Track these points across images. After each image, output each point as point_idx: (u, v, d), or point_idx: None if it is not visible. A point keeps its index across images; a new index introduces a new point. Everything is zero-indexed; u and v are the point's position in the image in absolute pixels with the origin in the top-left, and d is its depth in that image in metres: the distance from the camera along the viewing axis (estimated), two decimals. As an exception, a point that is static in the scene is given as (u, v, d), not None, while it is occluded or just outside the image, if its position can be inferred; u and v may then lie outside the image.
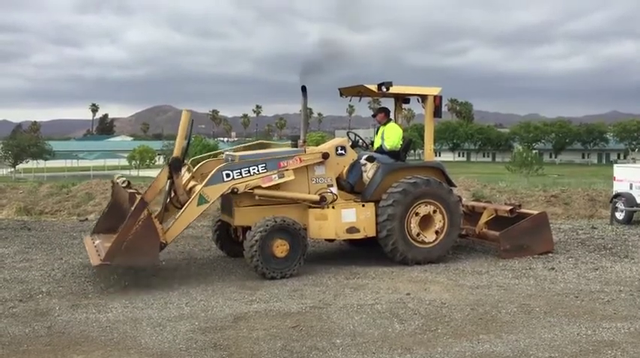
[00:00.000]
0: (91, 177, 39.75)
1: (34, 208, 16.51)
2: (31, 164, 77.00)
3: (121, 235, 7.87)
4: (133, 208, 8.00)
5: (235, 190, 8.64)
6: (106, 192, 17.66)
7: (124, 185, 9.23)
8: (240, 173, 8.74)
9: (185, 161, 9.10)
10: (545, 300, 7.41)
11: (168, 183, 8.83)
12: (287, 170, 8.95)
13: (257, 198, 8.82)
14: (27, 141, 78.75)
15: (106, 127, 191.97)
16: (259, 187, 8.78)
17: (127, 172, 71.84)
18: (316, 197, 9.08)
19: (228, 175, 8.69)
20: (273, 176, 8.86)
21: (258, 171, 8.84)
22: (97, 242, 8.96)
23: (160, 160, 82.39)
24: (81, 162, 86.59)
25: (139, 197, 8.21)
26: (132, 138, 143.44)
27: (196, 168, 9.43)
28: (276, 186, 8.94)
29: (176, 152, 8.77)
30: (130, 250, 7.82)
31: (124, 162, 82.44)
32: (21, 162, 75.62)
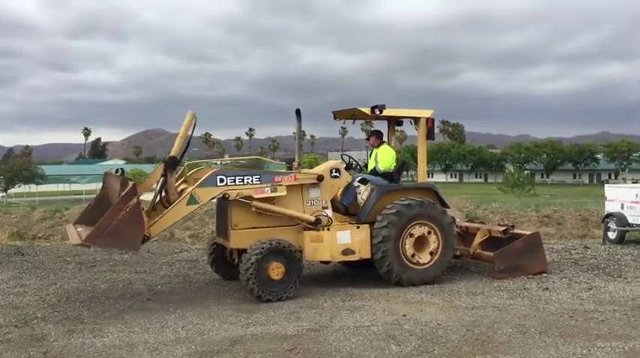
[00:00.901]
0: (84, 201, 39.58)
1: (27, 233, 16.45)
2: (23, 188, 76.64)
3: (106, 218, 7.76)
4: (123, 193, 7.87)
5: (227, 196, 8.72)
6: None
7: (117, 174, 8.82)
8: (234, 180, 8.82)
9: (181, 162, 9.07)
10: (540, 320, 7.45)
11: (161, 181, 8.78)
12: (280, 185, 9.02)
13: (253, 209, 8.86)
14: (19, 166, 78.41)
15: (98, 151, 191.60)
16: (251, 198, 8.82)
17: (119, 196, 71.55)
18: (311, 217, 9.13)
19: (221, 180, 8.77)
20: (266, 188, 8.94)
21: (252, 181, 8.92)
22: (79, 229, 8.73)
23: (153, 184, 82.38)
24: (73, 186, 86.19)
25: (131, 184, 8.09)
26: (124, 162, 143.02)
27: (190, 172, 9.41)
28: (272, 203, 9.00)
29: (174, 151, 8.75)
30: (113, 234, 7.74)
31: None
32: (13, 187, 75.23)
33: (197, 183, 8.68)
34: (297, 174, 9.28)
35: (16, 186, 75.62)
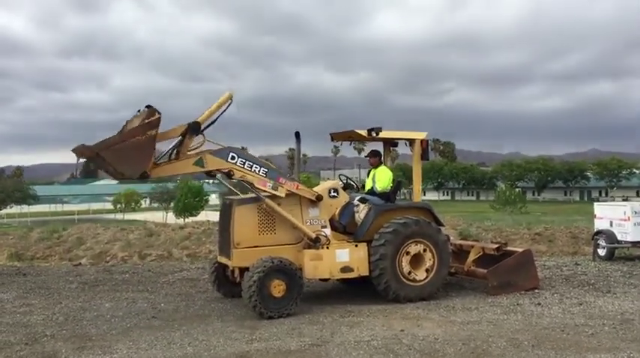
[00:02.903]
0: (76, 221, 39.66)
1: (25, 253, 16.63)
2: (15, 209, 76.40)
3: (121, 136, 7.92)
4: (147, 121, 8.04)
5: (231, 173, 9.01)
6: (97, 236, 17.88)
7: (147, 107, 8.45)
8: (244, 163, 9.12)
9: (203, 139, 9.01)
10: (533, 334, 7.74)
11: (177, 140, 8.89)
12: (282, 186, 9.31)
13: (264, 206, 9.17)
14: (11, 187, 78.20)
15: (90, 171, 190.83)
16: (252, 185, 9.12)
17: (112, 216, 71.54)
18: (313, 234, 9.42)
19: (233, 157, 9.08)
20: (269, 184, 9.24)
21: (259, 171, 9.21)
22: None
23: (145, 203, 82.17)
24: (65, 206, 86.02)
25: (157, 116, 8.12)
26: (117, 182, 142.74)
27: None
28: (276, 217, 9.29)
29: (200, 118, 8.89)
30: (120, 152, 7.88)
31: (109, 205, 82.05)
32: (5, 208, 75.01)
33: (211, 151, 8.93)
34: (299, 185, 9.60)
35: (8, 206, 75.40)
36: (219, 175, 9.51)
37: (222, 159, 9.00)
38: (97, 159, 8.29)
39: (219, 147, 9.10)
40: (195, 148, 9.00)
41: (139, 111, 8.55)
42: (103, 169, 8.80)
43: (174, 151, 8.93)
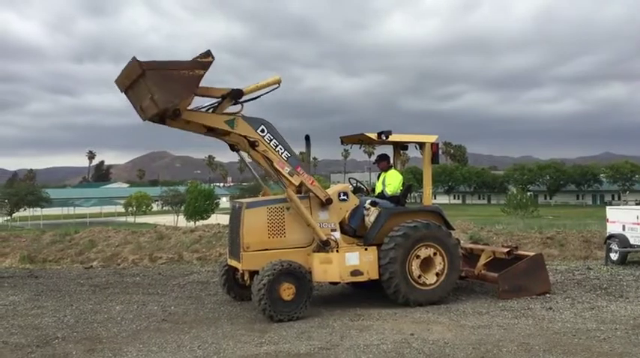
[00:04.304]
0: (88, 224, 39.98)
1: (37, 256, 16.73)
2: (28, 212, 77.05)
3: (173, 63, 8.20)
4: (200, 59, 8.29)
5: (256, 144, 9.13)
6: (108, 239, 17.98)
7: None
8: (271, 139, 9.26)
9: (242, 107, 9.20)
10: (544, 339, 7.68)
11: (217, 100, 9.08)
12: (298, 175, 9.37)
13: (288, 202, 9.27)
14: (24, 190, 78.84)
15: (102, 174, 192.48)
16: (271, 164, 9.23)
17: (123, 219, 71.95)
18: (324, 236, 9.41)
19: (263, 130, 9.24)
20: (287, 168, 9.33)
21: (282, 152, 9.32)
22: None
23: (156, 206, 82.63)
24: (77, 209, 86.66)
25: (210, 59, 8.40)
26: (128, 185, 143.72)
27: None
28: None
29: (245, 89, 9.06)
30: (166, 77, 8.10)
31: (121, 208, 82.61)
32: (18, 211, 75.64)
33: (246, 117, 9.08)
34: (315, 181, 9.62)
35: (21, 209, 76.02)
36: (242, 153, 9.64)
37: (252, 128, 9.16)
38: (139, 80, 8.35)
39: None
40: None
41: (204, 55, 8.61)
42: (135, 100, 8.83)
43: (210, 110, 9.11)
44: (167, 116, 8.66)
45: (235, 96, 9.01)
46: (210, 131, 9.32)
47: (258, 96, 9.25)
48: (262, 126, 9.23)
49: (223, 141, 9.60)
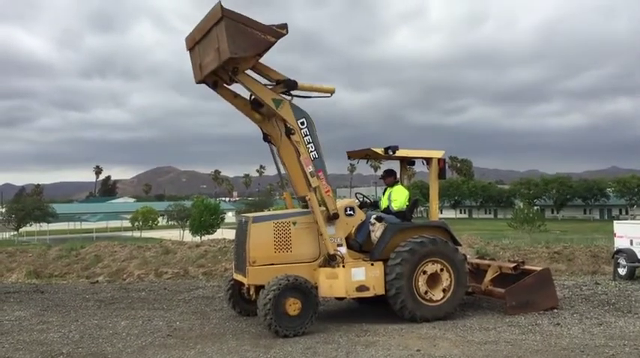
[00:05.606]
0: (94, 239, 40.02)
1: (43, 271, 16.75)
2: (34, 227, 77.22)
3: (251, 21, 8.50)
4: (275, 27, 8.64)
5: (292, 132, 9.26)
6: (114, 254, 17.99)
7: None
8: (307, 134, 9.39)
9: (291, 98, 9.42)
10: (552, 355, 7.61)
11: (270, 83, 9.29)
12: (318, 178, 9.41)
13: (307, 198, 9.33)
14: (31, 205, 79.06)
15: (108, 189, 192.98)
16: (299, 156, 9.34)
17: (129, 234, 72.00)
18: (332, 250, 9.39)
19: (303, 123, 9.39)
20: (310, 167, 9.40)
21: (310, 151, 9.43)
22: None
23: (163, 221, 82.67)
24: (84, 224, 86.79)
25: (285, 31, 8.73)
26: (134, 200, 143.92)
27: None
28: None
29: (301, 84, 9.31)
30: (240, 31, 8.40)
31: (127, 223, 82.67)
32: (25, 226, 75.79)
33: (289, 99, 9.29)
34: (330, 191, 9.66)
35: (28, 224, 76.18)
36: (273, 147, 9.78)
37: (294, 116, 9.30)
38: (212, 29, 8.61)
39: None
40: None
41: None
42: (198, 57, 9.13)
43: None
44: (223, 75, 8.90)
45: (289, 85, 9.28)
46: (253, 109, 9.55)
47: (309, 97, 9.53)
48: (304, 119, 9.38)
49: (259, 129, 9.86)
